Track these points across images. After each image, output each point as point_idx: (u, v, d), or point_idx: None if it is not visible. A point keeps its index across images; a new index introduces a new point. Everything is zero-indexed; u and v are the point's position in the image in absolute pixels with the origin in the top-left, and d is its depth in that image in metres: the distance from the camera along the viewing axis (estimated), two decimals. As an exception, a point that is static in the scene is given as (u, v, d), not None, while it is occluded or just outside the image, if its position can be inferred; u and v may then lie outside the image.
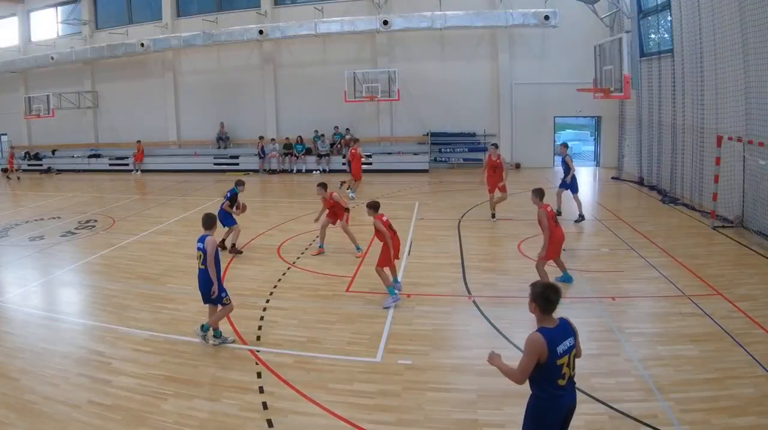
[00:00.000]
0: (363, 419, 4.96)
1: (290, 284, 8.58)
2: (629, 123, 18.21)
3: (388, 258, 7.62)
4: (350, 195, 15.20)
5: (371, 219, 7.79)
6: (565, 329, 3.64)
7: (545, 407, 3.62)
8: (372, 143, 21.66)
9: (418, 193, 15.81)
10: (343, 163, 17.62)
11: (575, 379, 3.71)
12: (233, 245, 10.26)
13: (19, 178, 22.52)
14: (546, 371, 3.53)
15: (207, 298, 6.43)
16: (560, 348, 3.53)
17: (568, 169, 12.17)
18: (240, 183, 10.39)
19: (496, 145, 12.82)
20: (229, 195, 10.20)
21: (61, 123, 24.37)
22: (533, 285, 3.69)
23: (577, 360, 3.71)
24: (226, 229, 10.27)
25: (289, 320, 7.19)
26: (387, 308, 7.43)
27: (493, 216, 12.43)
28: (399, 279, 8.17)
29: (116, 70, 24.05)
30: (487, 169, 12.45)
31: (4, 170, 24.88)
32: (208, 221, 6.55)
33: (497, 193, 12.34)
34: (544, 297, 3.58)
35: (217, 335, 6.53)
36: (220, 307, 6.51)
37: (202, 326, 6.55)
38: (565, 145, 12.83)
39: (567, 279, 8.19)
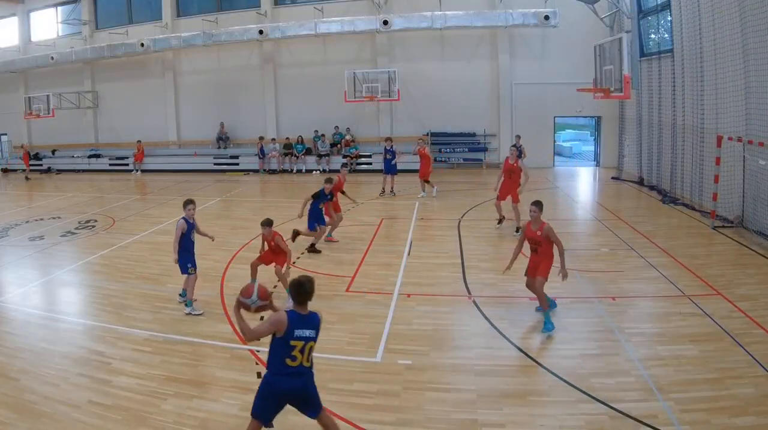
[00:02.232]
0: (363, 419, 4.96)
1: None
2: (629, 123, 18.22)
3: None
4: (433, 193, 15.25)
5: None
6: (312, 322, 4.13)
7: (267, 386, 4.11)
8: (372, 143, 21.68)
9: (418, 193, 15.79)
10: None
11: (313, 371, 4.22)
12: (312, 245, 10.16)
13: (28, 178, 22.44)
14: (278, 346, 3.97)
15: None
16: (298, 332, 4.00)
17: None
18: (328, 181, 10.12)
19: (516, 146, 11.56)
20: (328, 196, 10.04)
21: (61, 123, 24.34)
22: (293, 279, 4.16)
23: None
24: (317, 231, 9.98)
25: (289, 320, 7.19)
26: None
27: (500, 221, 11.28)
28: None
29: (116, 70, 24.04)
30: (503, 175, 11.06)
31: (5, 170, 24.93)
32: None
33: (509, 203, 10.94)
34: (294, 288, 4.09)
35: (188, 304, 7.41)
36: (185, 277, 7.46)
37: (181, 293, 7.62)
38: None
39: (552, 305, 7.11)
